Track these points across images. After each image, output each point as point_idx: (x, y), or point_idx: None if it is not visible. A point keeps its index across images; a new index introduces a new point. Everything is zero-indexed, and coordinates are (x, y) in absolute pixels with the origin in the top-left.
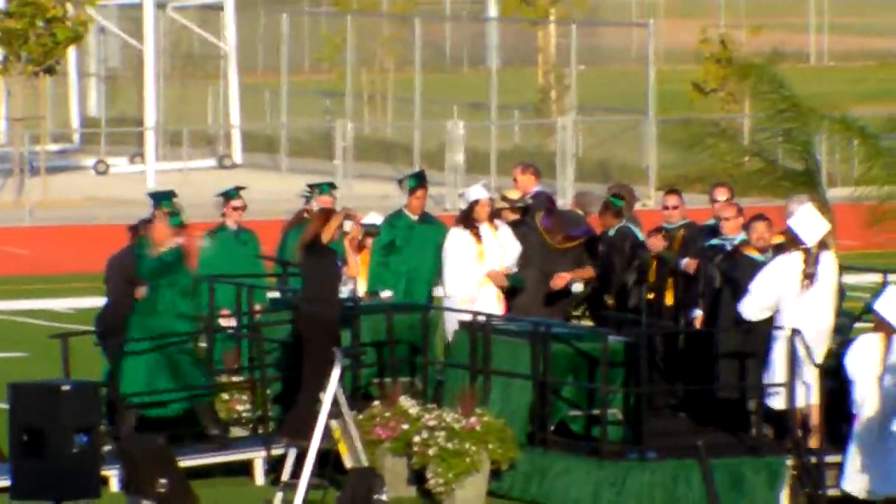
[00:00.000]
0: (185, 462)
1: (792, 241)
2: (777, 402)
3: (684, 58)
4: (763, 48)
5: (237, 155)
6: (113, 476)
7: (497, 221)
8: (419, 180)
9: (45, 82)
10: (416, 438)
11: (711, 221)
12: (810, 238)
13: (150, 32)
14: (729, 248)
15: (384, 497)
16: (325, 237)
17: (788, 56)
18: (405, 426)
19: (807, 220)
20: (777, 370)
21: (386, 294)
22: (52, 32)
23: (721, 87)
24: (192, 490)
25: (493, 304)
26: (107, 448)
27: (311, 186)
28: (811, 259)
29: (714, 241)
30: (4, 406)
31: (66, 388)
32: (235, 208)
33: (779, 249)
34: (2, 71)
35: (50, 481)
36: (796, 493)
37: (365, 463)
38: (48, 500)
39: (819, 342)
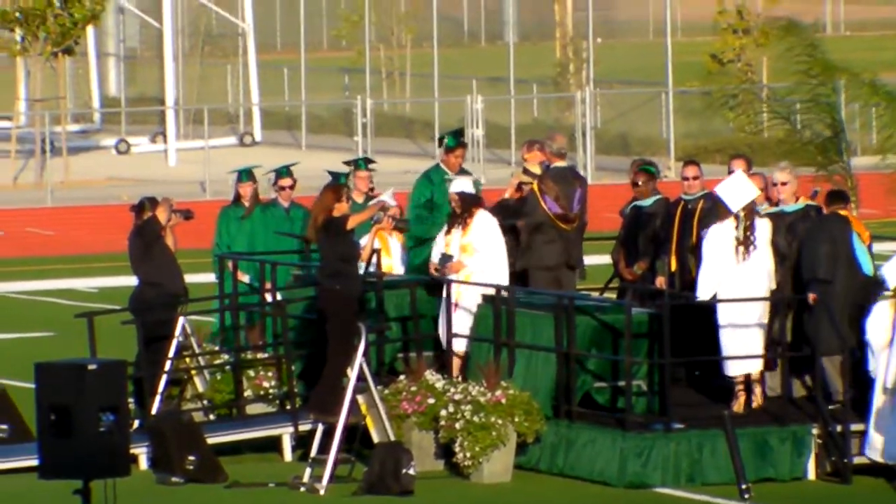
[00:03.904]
0: (214, 439)
1: (722, 209)
2: (734, 368)
3: (701, 29)
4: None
5: (257, 132)
6: (142, 454)
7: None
8: (458, 139)
9: (64, 63)
10: (443, 412)
11: None
12: (735, 204)
13: (168, 11)
14: None
15: (412, 471)
16: (352, 224)
17: (805, 26)
18: (431, 400)
19: (733, 186)
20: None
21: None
22: (69, 12)
23: (738, 57)
24: (221, 466)
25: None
26: (135, 426)
27: (347, 163)
28: (742, 226)
29: None
30: (31, 386)
31: (92, 366)
32: (283, 187)
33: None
34: (20, 52)
35: (78, 460)
36: (822, 462)
37: (392, 437)
38: (77, 479)
39: (755, 311)
